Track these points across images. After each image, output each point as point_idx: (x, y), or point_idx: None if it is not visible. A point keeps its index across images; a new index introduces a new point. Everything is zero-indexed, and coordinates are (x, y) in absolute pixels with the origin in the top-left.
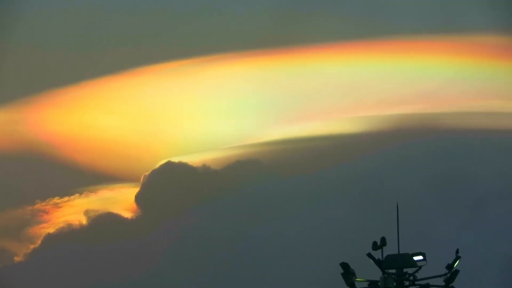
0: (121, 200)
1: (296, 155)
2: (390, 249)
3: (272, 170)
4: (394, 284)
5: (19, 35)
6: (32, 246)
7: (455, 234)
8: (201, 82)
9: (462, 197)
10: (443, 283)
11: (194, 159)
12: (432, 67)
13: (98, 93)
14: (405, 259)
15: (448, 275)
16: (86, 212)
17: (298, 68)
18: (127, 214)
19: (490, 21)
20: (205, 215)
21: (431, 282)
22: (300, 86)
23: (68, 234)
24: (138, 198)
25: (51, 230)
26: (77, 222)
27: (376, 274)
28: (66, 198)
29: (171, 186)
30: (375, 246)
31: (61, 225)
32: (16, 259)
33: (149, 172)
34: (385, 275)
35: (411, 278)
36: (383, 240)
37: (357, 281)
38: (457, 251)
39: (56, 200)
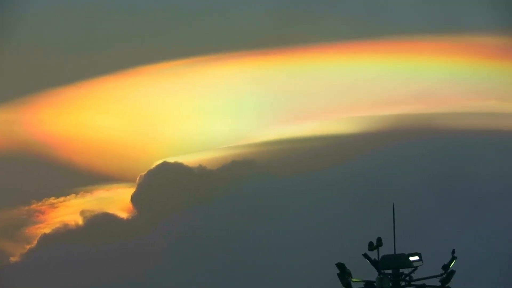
0: (117, 200)
1: (292, 156)
2: (386, 249)
3: (268, 171)
4: (390, 284)
5: (14, 36)
6: (28, 246)
7: (452, 234)
8: (197, 82)
9: (460, 197)
10: (439, 284)
11: (190, 159)
12: (428, 68)
13: (94, 93)
14: (401, 260)
15: (444, 275)
16: (82, 212)
17: (294, 68)
18: (123, 214)
19: (486, 21)
20: (201, 215)
21: (427, 282)
22: (296, 86)
23: (64, 234)
24: (134, 198)
25: (47, 230)
26: (73, 222)
27: (372, 274)
28: (62, 198)
29: (167, 186)
30: (371, 247)
31: (57, 225)
32: (12, 259)
33: (145, 172)
34: (381, 276)
35: (407, 278)
36: (379, 240)
37: (353, 281)
38: (453, 252)
39: (52, 200)
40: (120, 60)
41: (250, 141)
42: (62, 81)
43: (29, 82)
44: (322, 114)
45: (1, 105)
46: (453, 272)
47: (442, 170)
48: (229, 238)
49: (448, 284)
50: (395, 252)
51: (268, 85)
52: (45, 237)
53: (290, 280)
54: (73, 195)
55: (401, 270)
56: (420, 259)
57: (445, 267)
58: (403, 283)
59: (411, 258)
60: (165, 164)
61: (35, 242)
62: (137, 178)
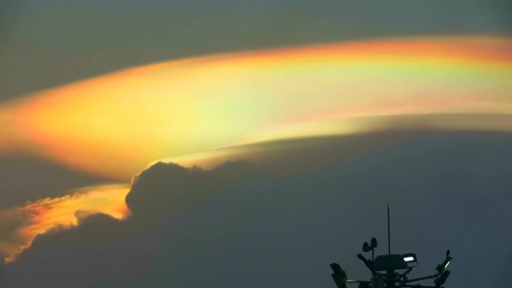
0: (112, 201)
1: (287, 156)
2: (384, 250)
3: (263, 171)
4: (385, 285)
5: (10, 37)
6: (22, 247)
7: (451, 234)
8: (191, 83)
9: (458, 198)
10: (433, 284)
11: (184, 160)
12: (425, 69)
13: (88, 94)
14: (396, 260)
15: (439, 276)
16: (77, 213)
17: (289, 69)
18: (118, 215)
19: (484, 23)
20: (196, 216)
21: (422, 283)
22: (291, 87)
23: (59, 235)
24: (129, 199)
25: (42, 231)
26: (67, 223)
27: (367, 275)
28: (56, 199)
29: (162, 187)
30: (365, 247)
31: (52, 226)
32: (7, 260)
33: (139, 173)
34: (376, 276)
35: (402, 279)
36: (374, 241)
37: (347, 282)
38: (447, 252)
39: (47, 201)
40: (115, 61)
41: (245, 142)
42: (57, 82)
43: (24, 83)
44: (317, 115)
45: None
46: (447, 272)
47: (439, 170)
48: (223, 238)
49: (443, 285)
50: (389, 252)
51: (263, 85)
52: (39, 238)
53: (285, 281)
54: (67, 195)
55: (395, 271)
56: (415, 260)
57: (440, 267)
58: (397, 284)
59: (406, 259)
60: (159, 165)
61: (30, 242)
62: (132, 179)
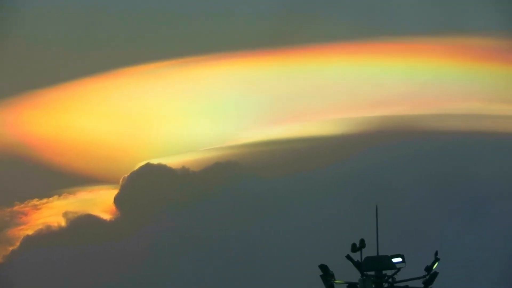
0: (100, 202)
1: (276, 157)
2: (382, 251)
3: (251, 172)
4: (373, 286)
5: None
6: (10, 248)
7: (443, 234)
8: (180, 84)
9: (457, 198)
10: (422, 285)
11: (173, 161)
12: (415, 69)
13: (76, 95)
14: (384, 261)
15: (427, 277)
16: (65, 214)
17: (278, 70)
18: (106, 216)
19: (479, 23)
20: (184, 217)
21: (410, 284)
22: (280, 88)
23: (47, 236)
24: (117, 200)
25: (30, 232)
26: (56, 224)
27: (355, 276)
28: (45, 200)
29: (150, 188)
30: (354, 248)
31: (40, 227)
32: None
33: (128, 174)
34: (364, 277)
35: (390, 280)
36: (362, 242)
37: (336, 283)
38: (436, 253)
39: (35, 202)
40: (103, 62)
41: (234, 143)
42: (44, 83)
43: (11, 84)
44: (307, 116)
45: None
46: (436, 273)
47: (433, 171)
48: (212, 239)
49: (431, 286)
50: (378, 253)
51: (252, 86)
52: (28, 239)
53: (274, 281)
54: (56, 196)
55: (384, 272)
56: (403, 261)
57: (428, 268)
58: (386, 285)
59: (394, 260)
60: (148, 166)
61: (18, 243)
62: (120, 180)
